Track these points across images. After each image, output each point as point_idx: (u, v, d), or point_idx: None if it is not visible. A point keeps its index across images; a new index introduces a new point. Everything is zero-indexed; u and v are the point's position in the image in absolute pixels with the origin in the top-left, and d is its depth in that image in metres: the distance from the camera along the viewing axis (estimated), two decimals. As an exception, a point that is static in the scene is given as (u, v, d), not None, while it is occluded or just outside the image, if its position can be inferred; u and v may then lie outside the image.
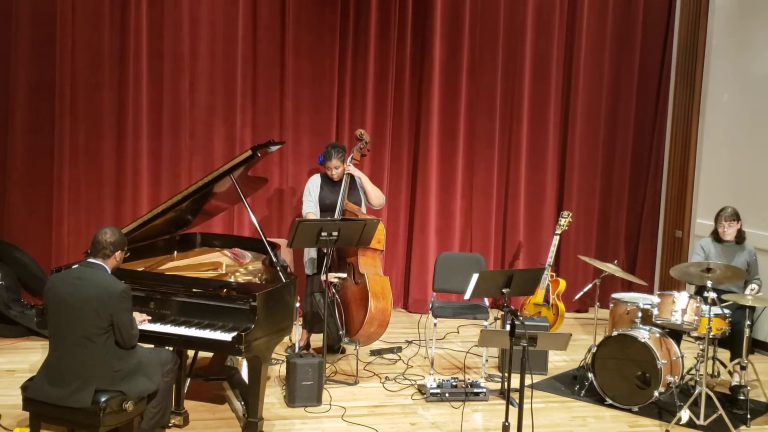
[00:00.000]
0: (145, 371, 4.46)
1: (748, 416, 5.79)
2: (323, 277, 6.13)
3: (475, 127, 8.42)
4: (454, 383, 6.00)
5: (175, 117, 7.57)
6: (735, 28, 8.09)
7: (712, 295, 5.66)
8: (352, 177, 6.71)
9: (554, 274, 7.91)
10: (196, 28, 7.56)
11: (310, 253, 6.70)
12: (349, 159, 6.74)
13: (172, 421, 5.15)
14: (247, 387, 5.21)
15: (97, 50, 7.31)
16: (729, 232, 6.49)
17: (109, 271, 4.43)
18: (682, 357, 5.98)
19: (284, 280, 5.10)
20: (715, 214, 6.64)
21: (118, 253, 4.49)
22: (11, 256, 7.13)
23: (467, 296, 5.41)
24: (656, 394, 5.75)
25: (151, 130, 7.51)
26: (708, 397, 5.59)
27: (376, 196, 6.76)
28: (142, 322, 4.76)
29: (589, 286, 6.86)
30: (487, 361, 6.60)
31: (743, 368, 6.08)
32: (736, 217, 6.50)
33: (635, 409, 5.86)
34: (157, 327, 4.81)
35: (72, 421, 4.40)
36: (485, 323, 6.58)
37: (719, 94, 8.22)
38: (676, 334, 6.17)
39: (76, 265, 4.54)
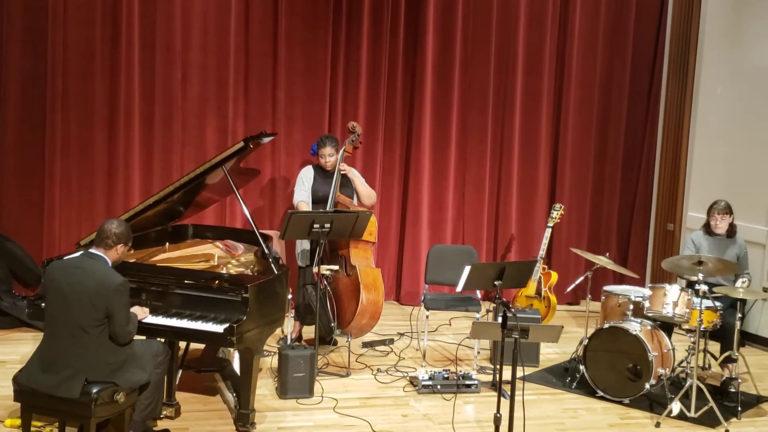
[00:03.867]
0: (137, 362, 4.45)
1: (739, 408, 5.81)
2: (315, 269, 6.13)
3: (468, 120, 8.42)
4: (445, 375, 6.00)
5: (167, 108, 7.54)
6: (728, 21, 8.09)
7: (703, 287, 5.67)
8: (344, 168, 6.72)
9: (546, 266, 7.92)
10: (188, 19, 7.53)
11: (303, 244, 6.69)
12: (341, 151, 6.74)
13: (164, 412, 5.14)
14: (238, 378, 5.22)
15: (88, 41, 7.27)
16: (721, 225, 6.50)
17: (110, 264, 4.42)
18: (673, 349, 6.00)
19: (276, 272, 5.10)
20: (707, 207, 6.65)
21: (120, 246, 4.46)
22: (3, 247, 7.10)
23: (459, 288, 5.42)
24: (647, 386, 5.77)
25: (143, 122, 7.49)
26: (699, 389, 5.61)
27: (367, 196, 6.76)
28: (144, 317, 4.76)
29: (581, 278, 6.87)
30: (478, 353, 6.61)
31: (734, 361, 6.10)
32: (728, 210, 6.51)
33: (626, 401, 5.88)
34: (149, 318, 4.81)
35: (63, 412, 4.40)
36: (477, 315, 6.59)
37: (712, 87, 8.23)
38: (667, 326, 6.19)
39: (77, 254, 4.53)
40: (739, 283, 6.30)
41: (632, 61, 8.79)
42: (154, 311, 4.87)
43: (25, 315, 6.65)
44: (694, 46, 8.40)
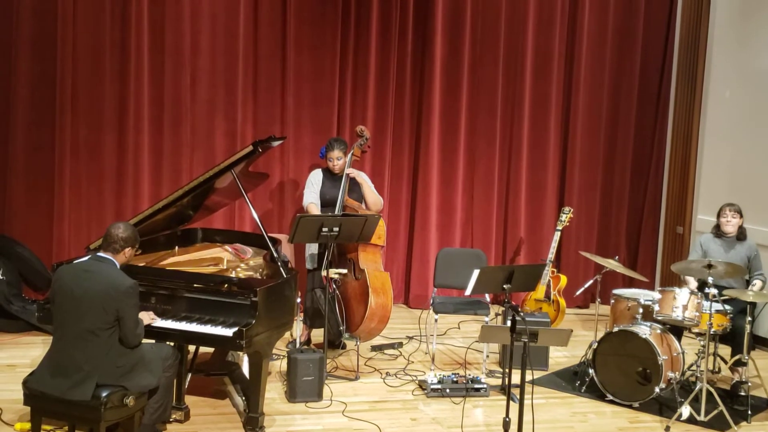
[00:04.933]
0: (146, 366, 4.46)
1: (749, 412, 5.79)
2: (324, 273, 6.14)
3: (476, 124, 8.42)
4: (454, 379, 6.00)
5: (176, 112, 7.56)
6: (736, 25, 8.08)
7: (713, 291, 5.66)
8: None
9: (555, 269, 7.90)
10: (197, 22, 7.56)
11: (311, 248, 6.70)
12: (349, 155, 6.75)
13: (173, 416, 5.15)
14: (248, 382, 5.22)
15: (98, 45, 7.31)
16: (731, 223, 6.47)
17: (118, 266, 4.43)
18: (683, 353, 5.98)
19: (285, 276, 5.10)
20: (716, 210, 6.63)
21: (127, 250, 4.48)
22: (12, 250, 7.13)
23: (468, 292, 5.41)
24: (657, 390, 5.75)
25: (152, 125, 7.51)
26: (709, 393, 5.59)
27: (374, 202, 6.76)
28: (152, 320, 4.77)
29: (590, 282, 6.86)
30: (487, 356, 6.60)
31: (744, 364, 6.08)
32: (739, 211, 6.49)
33: (636, 405, 5.86)
34: (158, 322, 4.81)
35: (73, 416, 4.41)
36: (486, 319, 6.57)
37: (720, 91, 8.21)
38: (677, 330, 6.17)
39: (86, 258, 4.54)
40: (758, 285, 6.28)
41: (641, 65, 8.78)
42: (163, 315, 4.88)
43: (34, 319, 6.64)
44: (702, 50, 8.39)
